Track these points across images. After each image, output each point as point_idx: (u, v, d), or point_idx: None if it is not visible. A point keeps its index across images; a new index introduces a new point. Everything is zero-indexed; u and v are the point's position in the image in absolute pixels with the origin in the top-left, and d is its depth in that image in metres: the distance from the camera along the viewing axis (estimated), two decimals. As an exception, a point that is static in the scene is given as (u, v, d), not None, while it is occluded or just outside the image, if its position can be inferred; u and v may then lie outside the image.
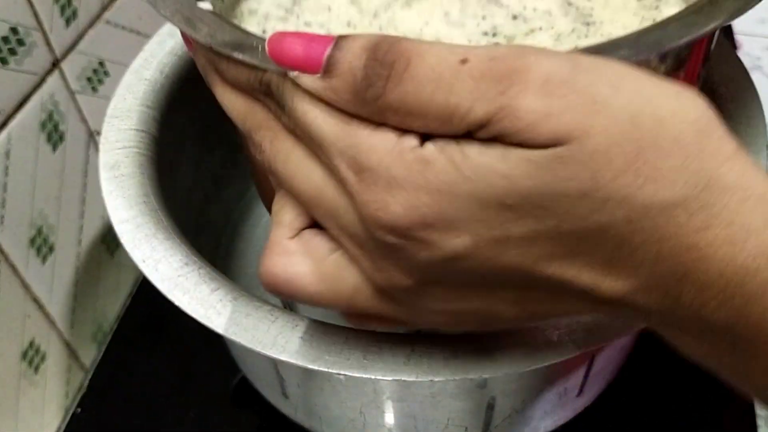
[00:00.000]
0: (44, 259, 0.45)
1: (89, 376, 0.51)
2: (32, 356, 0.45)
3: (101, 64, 0.49)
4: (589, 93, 0.17)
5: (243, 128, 0.24)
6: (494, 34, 0.33)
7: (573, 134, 0.17)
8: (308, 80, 0.19)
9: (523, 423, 0.38)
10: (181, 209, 0.37)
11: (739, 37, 0.71)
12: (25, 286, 0.44)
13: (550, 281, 0.20)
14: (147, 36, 0.43)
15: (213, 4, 0.31)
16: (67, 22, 0.44)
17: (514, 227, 0.18)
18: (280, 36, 0.20)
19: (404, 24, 0.34)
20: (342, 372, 0.28)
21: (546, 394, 0.36)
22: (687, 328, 0.20)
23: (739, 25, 0.72)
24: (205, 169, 0.47)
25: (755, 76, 0.36)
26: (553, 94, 0.17)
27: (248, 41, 0.23)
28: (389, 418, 0.36)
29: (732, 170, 0.18)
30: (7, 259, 0.42)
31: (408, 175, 0.18)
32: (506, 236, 0.19)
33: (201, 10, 0.26)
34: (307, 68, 0.19)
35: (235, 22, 0.34)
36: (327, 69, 0.19)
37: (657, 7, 0.35)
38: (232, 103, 0.24)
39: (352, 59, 0.19)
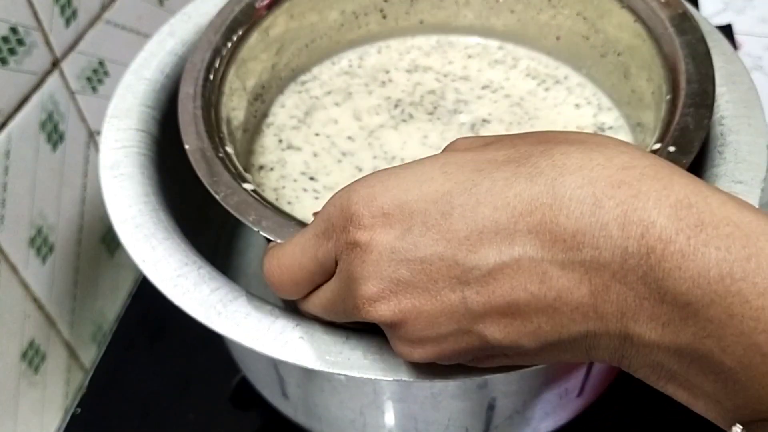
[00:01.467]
0: (44, 259, 0.45)
1: (89, 376, 0.51)
2: (32, 356, 0.45)
3: (101, 63, 0.49)
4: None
5: None
6: None
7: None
8: None
9: (524, 423, 0.38)
10: (181, 209, 0.37)
11: (739, 37, 0.71)
12: (25, 286, 0.44)
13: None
14: (147, 36, 0.43)
15: (243, 128, 0.40)
16: (67, 22, 0.44)
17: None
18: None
19: (388, 143, 0.41)
20: (342, 372, 0.28)
21: (546, 394, 0.36)
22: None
23: (739, 25, 0.72)
24: (205, 169, 0.47)
25: (755, 76, 0.36)
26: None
27: (287, 226, 0.29)
28: (389, 418, 0.36)
29: None
30: (7, 259, 0.42)
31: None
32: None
33: (247, 191, 0.31)
34: None
35: (260, 138, 0.42)
36: None
37: (595, 115, 0.40)
38: None
39: None
